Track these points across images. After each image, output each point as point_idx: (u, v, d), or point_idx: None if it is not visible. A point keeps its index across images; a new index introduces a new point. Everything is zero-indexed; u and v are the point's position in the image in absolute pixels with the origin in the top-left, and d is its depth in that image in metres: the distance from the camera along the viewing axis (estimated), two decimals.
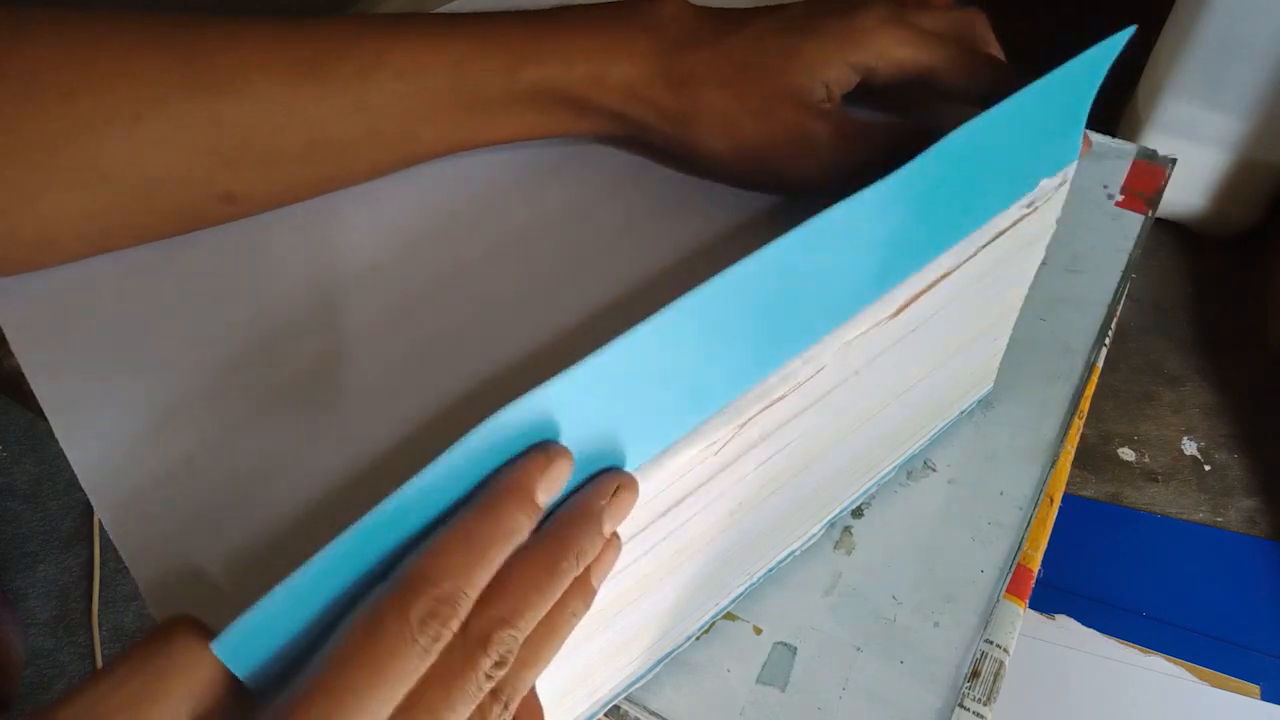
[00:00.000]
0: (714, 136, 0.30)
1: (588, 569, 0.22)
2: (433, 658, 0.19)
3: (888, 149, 0.29)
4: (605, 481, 0.23)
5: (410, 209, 0.31)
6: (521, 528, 0.21)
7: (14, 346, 0.29)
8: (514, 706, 0.21)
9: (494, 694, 0.21)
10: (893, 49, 0.29)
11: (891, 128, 0.30)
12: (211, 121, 0.27)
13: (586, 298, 0.29)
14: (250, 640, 0.20)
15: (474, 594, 0.20)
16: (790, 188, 0.31)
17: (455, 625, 0.20)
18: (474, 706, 0.20)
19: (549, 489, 0.21)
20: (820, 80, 0.29)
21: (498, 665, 0.20)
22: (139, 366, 0.28)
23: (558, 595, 0.21)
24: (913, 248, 0.27)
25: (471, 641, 0.20)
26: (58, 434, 0.27)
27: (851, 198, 0.23)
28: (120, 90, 0.27)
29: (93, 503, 0.25)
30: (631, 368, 0.22)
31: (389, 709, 0.19)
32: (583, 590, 0.23)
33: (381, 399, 0.27)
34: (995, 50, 0.31)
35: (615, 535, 0.23)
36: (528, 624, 0.21)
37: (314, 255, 0.30)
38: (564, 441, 0.22)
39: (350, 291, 0.29)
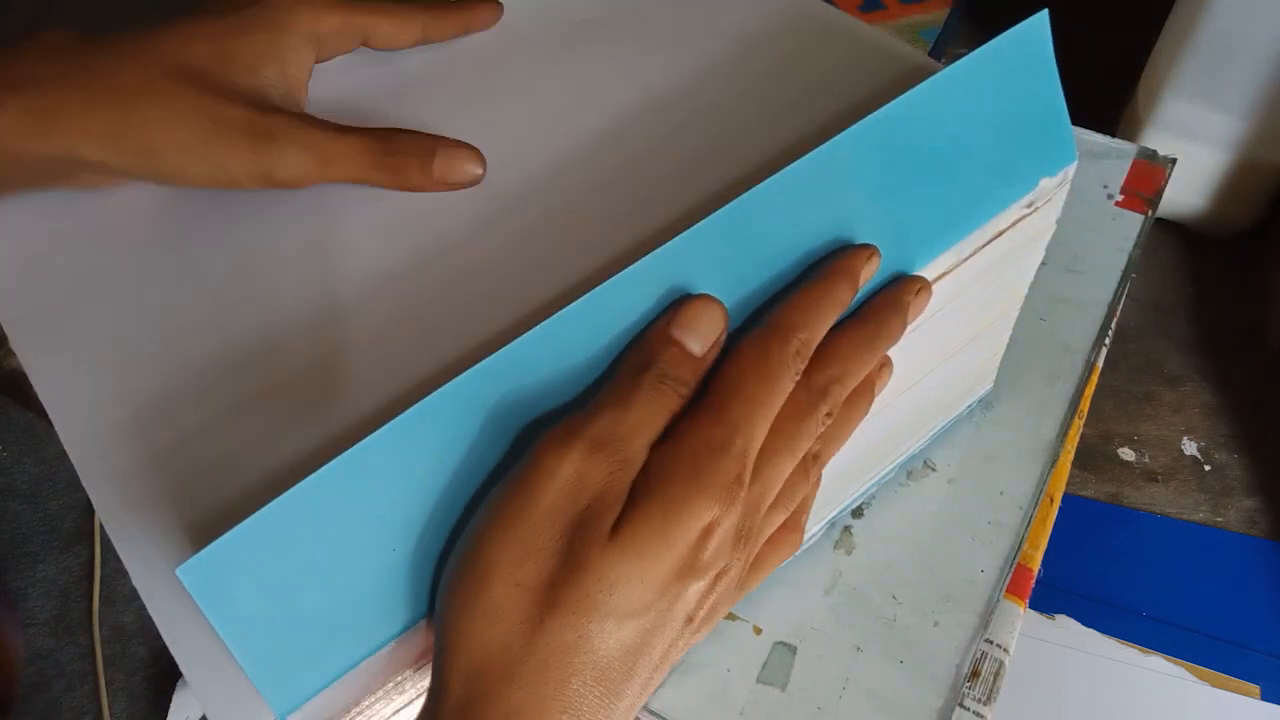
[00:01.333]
0: (162, 151, 0.28)
1: (872, 376, 0.27)
2: (791, 388, 0.24)
3: (377, 147, 0.29)
4: (911, 281, 0.27)
5: (410, 202, 0.31)
6: (847, 299, 0.25)
7: (14, 346, 0.29)
8: (821, 470, 0.27)
9: (815, 456, 0.26)
10: (318, 19, 0.29)
11: (377, 129, 0.29)
12: None
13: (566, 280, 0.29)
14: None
15: (815, 346, 0.24)
16: (279, 177, 0.29)
17: (804, 367, 0.24)
18: (808, 447, 0.24)
19: (867, 276, 0.26)
20: (269, 75, 0.29)
21: (828, 416, 0.25)
22: (140, 365, 0.28)
23: (870, 367, 0.26)
24: (905, 243, 0.27)
25: (814, 390, 0.24)
26: (59, 433, 0.27)
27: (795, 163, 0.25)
28: None
29: (93, 502, 0.25)
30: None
31: (770, 422, 0.23)
32: (869, 390, 0.28)
33: (389, 396, 0.27)
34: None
35: (889, 359, 0.28)
36: (848, 387, 0.25)
37: (314, 252, 0.30)
38: None
39: (350, 288, 0.29)
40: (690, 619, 0.22)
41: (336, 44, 0.31)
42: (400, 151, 0.28)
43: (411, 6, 0.32)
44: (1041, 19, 0.27)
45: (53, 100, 0.27)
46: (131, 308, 0.29)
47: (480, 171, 0.29)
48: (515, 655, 0.20)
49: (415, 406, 0.22)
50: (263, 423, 0.26)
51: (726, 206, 0.24)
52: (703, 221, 0.24)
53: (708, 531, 0.21)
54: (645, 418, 0.22)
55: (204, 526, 0.24)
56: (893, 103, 0.26)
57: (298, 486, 0.21)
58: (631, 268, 0.23)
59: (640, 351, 0.23)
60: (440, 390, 0.22)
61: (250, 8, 0.29)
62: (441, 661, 0.21)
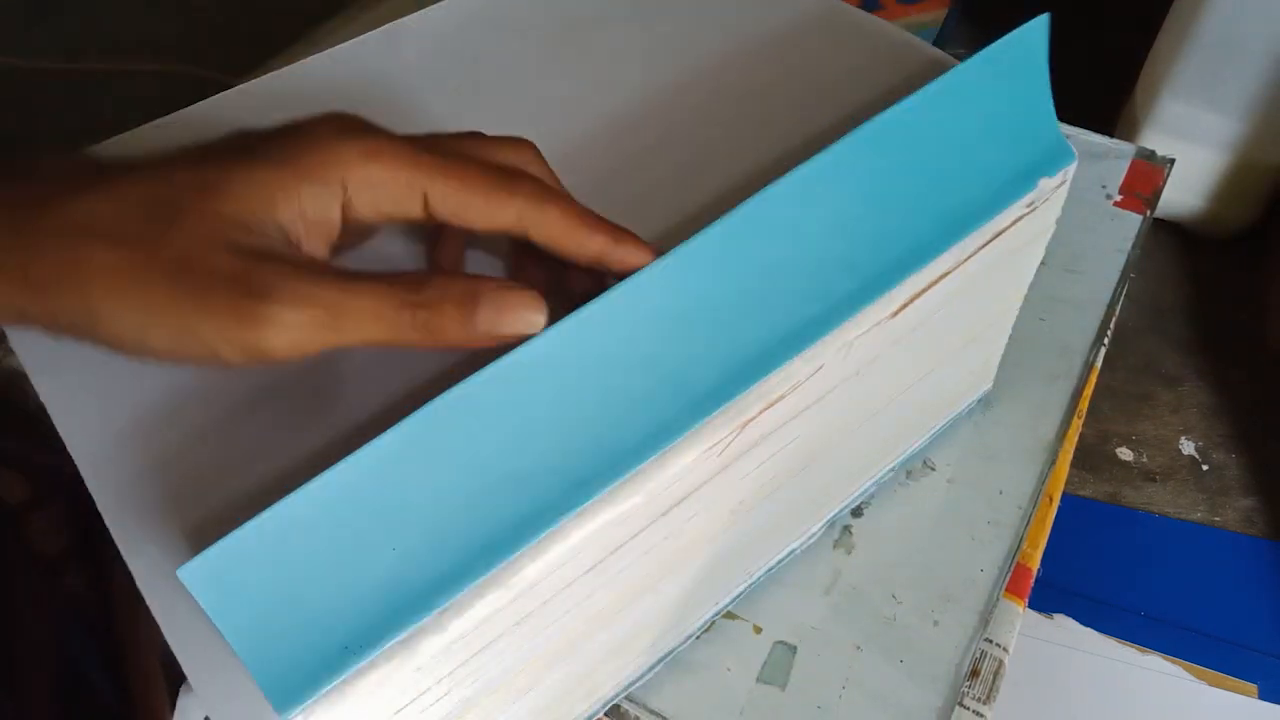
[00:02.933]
0: (114, 303, 0.21)
1: None
2: None
3: (400, 299, 0.22)
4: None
5: None
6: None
7: (14, 345, 0.29)
8: None
9: None
10: (365, 167, 0.22)
11: (402, 274, 0.22)
12: None
13: None
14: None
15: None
16: (271, 351, 0.21)
17: None
18: None
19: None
20: (267, 220, 0.22)
21: None
22: (143, 367, 0.28)
23: None
24: (902, 245, 0.27)
25: None
26: (62, 435, 0.27)
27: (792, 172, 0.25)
28: None
29: (97, 504, 0.25)
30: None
31: None
32: None
33: (389, 398, 0.27)
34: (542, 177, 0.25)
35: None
36: None
37: None
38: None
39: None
40: None
41: (395, 204, 0.23)
42: (433, 303, 0.22)
43: (514, 183, 0.23)
44: (1042, 22, 0.27)
45: None
46: None
47: (541, 320, 0.22)
48: None
49: (417, 412, 0.22)
50: (265, 425, 0.26)
51: (732, 211, 0.24)
52: (710, 226, 0.24)
53: None
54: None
55: (207, 528, 0.24)
56: (893, 108, 0.26)
57: (300, 490, 0.21)
58: (630, 281, 0.24)
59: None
60: (442, 396, 0.22)
61: (276, 140, 0.23)
62: None
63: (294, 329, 0.21)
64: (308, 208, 0.22)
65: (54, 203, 0.21)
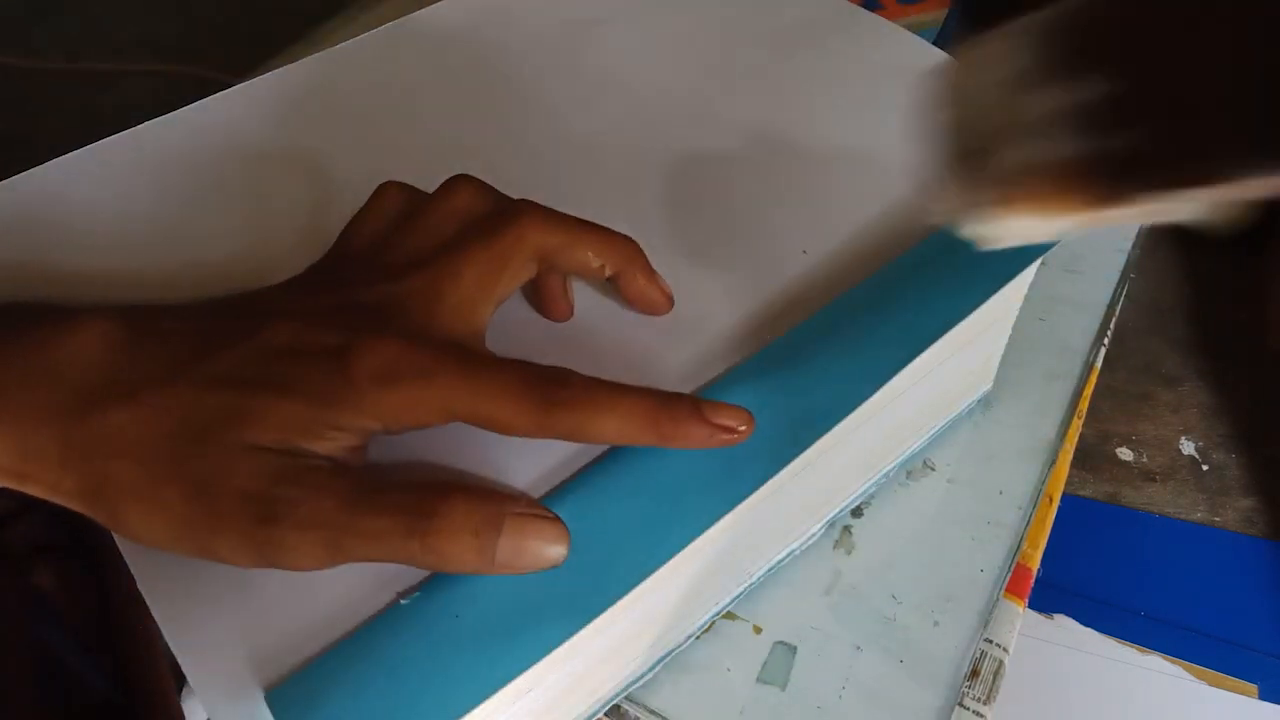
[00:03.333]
0: (141, 518, 0.22)
1: None
2: None
3: (407, 524, 0.21)
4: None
5: None
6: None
7: None
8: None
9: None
10: (413, 410, 0.22)
11: (414, 491, 0.22)
12: None
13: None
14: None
15: None
16: (284, 566, 0.22)
17: None
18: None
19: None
20: (296, 448, 0.22)
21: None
22: None
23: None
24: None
25: None
26: None
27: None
28: None
29: None
30: None
31: None
32: None
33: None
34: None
35: None
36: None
37: (315, 253, 0.30)
38: None
39: None
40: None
41: (423, 421, 0.23)
42: (444, 531, 0.21)
43: (554, 403, 0.23)
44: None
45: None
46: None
47: (562, 554, 0.22)
48: None
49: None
50: None
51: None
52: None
53: None
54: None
55: None
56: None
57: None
58: None
59: None
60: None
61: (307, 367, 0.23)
62: None
63: (301, 553, 0.21)
64: (340, 437, 0.22)
65: (87, 415, 0.22)
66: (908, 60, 0.36)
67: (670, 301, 0.28)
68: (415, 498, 0.21)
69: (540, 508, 0.22)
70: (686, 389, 0.26)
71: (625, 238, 0.27)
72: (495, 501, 0.22)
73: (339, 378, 0.22)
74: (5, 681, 0.30)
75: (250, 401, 0.22)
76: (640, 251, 0.28)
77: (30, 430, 0.22)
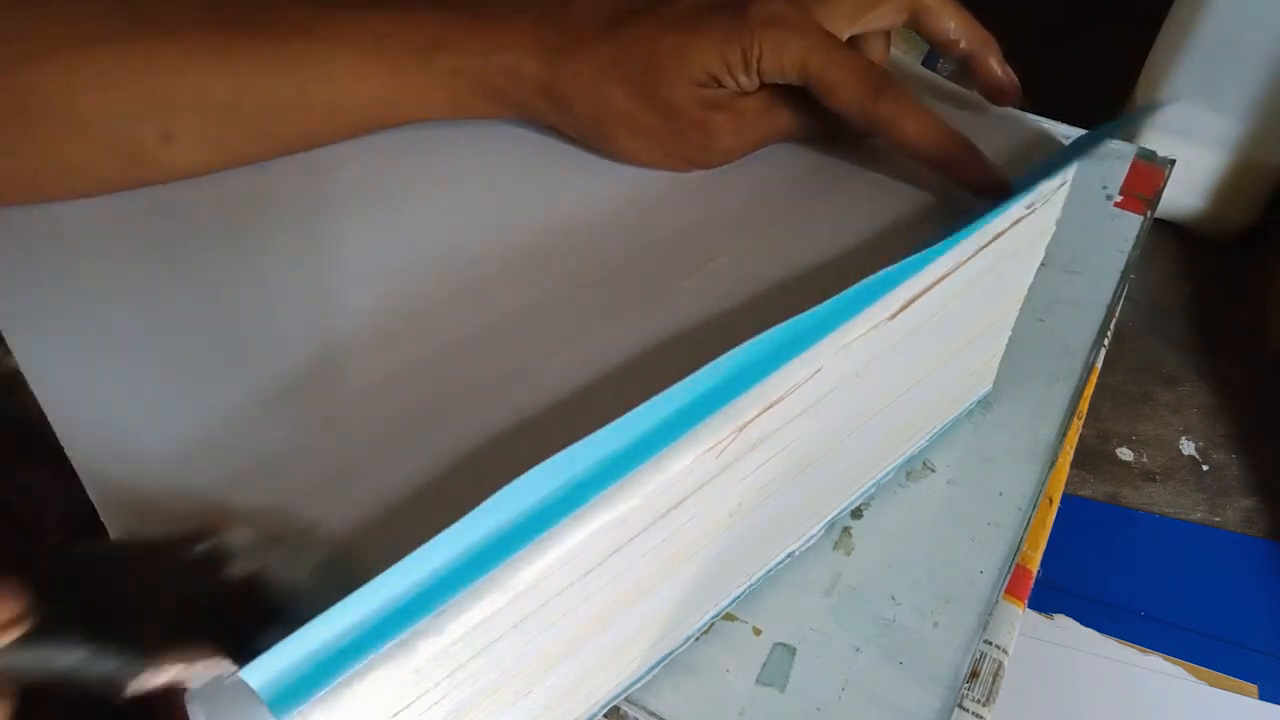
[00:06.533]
0: (623, 136, 0.30)
1: None
2: None
3: (794, 126, 0.31)
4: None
5: (414, 208, 0.31)
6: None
7: (12, 346, 0.29)
8: None
9: None
10: (780, 51, 0.28)
11: (793, 110, 0.30)
12: (147, 62, 0.29)
13: (590, 307, 0.29)
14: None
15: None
16: (706, 166, 0.32)
17: None
18: None
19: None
20: (711, 76, 0.29)
21: None
22: (141, 366, 0.28)
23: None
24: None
25: None
26: (58, 433, 0.27)
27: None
28: (57, 29, 0.28)
29: (94, 502, 0.25)
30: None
31: None
32: None
33: (389, 397, 0.27)
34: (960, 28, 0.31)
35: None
36: None
37: (314, 251, 0.30)
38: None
39: (351, 287, 0.29)
40: None
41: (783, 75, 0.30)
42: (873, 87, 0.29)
43: (881, 90, 0.29)
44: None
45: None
46: (133, 309, 0.29)
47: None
48: None
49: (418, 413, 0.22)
50: (262, 422, 0.26)
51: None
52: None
53: None
54: None
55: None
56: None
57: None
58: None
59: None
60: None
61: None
62: None
63: (735, 150, 0.31)
64: (739, 68, 0.29)
65: (577, 50, 0.30)
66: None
67: (1017, 92, 0.32)
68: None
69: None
70: None
71: (984, 30, 0.31)
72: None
73: (740, 16, 0.28)
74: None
75: (685, 40, 0.29)
76: (995, 43, 0.31)
77: (552, 64, 0.30)
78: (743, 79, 0.29)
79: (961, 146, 0.29)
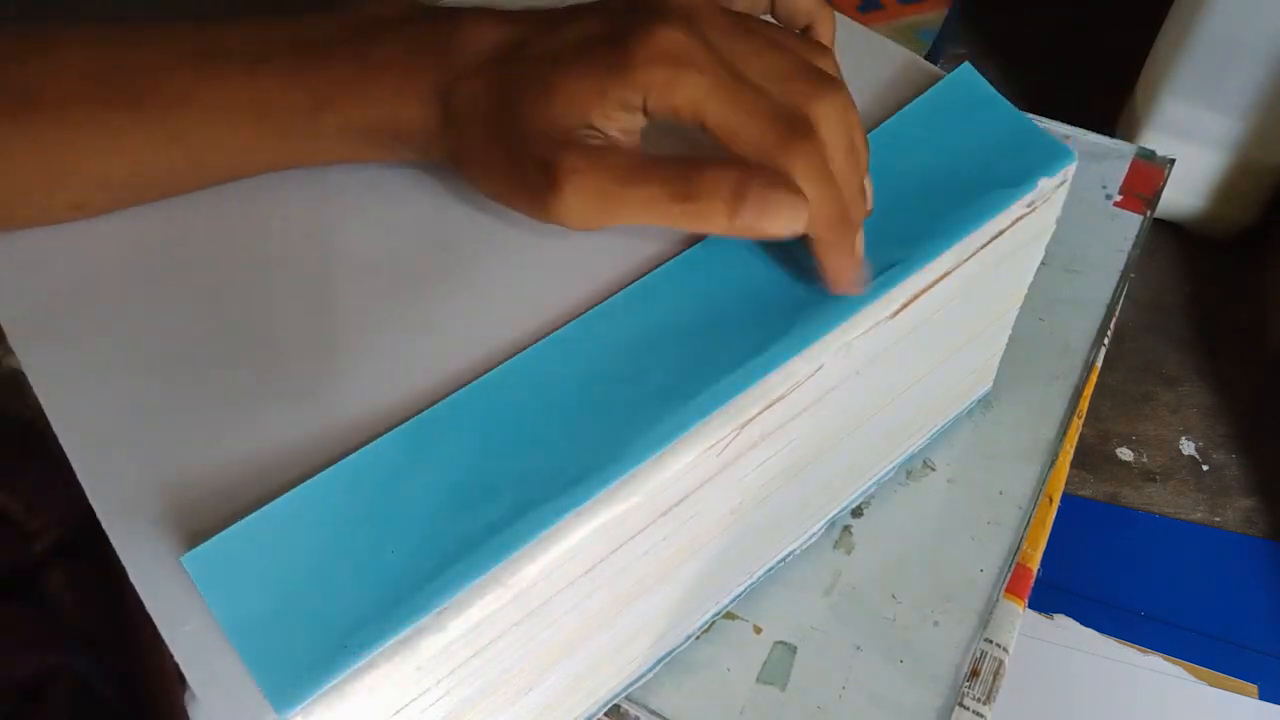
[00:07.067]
0: (479, 174, 0.28)
1: None
2: None
3: (671, 191, 0.25)
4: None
5: (408, 203, 0.31)
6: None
7: (14, 345, 0.29)
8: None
9: None
10: (667, 93, 0.25)
11: (676, 165, 0.25)
12: (35, 144, 0.28)
13: (580, 289, 0.29)
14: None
15: None
16: (561, 223, 0.26)
17: None
18: None
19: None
20: (582, 115, 0.25)
21: None
22: (141, 366, 0.28)
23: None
24: (902, 246, 0.27)
25: None
26: (57, 432, 0.27)
27: None
28: None
29: (92, 502, 0.25)
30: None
31: None
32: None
33: (389, 395, 0.27)
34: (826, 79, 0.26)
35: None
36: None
37: (314, 251, 0.30)
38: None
39: (351, 286, 0.29)
40: None
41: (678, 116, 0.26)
42: (702, 197, 0.24)
43: (794, 142, 0.25)
44: (966, 68, 0.31)
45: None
46: (133, 309, 0.29)
47: (801, 222, 0.24)
48: None
49: (416, 418, 0.22)
50: (267, 426, 0.26)
51: None
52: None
53: None
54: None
55: (204, 526, 0.24)
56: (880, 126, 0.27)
57: (302, 486, 0.21)
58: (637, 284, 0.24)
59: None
60: (443, 402, 0.22)
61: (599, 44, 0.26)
62: None
63: (578, 213, 0.25)
64: (617, 111, 0.25)
65: (457, 85, 0.27)
66: (886, 67, 0.36)
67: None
68: (677, 170, 0.25)
69: (787, 181, 0.24)
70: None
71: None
72: (744, 174, 0.24)
73: (624, 52, 0.25)
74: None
75: (558, 75, 0.25)
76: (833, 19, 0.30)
77: (430, 106, 0.27)
78: (624, 120, 0.25)
79: (846, 237, 0.26)
